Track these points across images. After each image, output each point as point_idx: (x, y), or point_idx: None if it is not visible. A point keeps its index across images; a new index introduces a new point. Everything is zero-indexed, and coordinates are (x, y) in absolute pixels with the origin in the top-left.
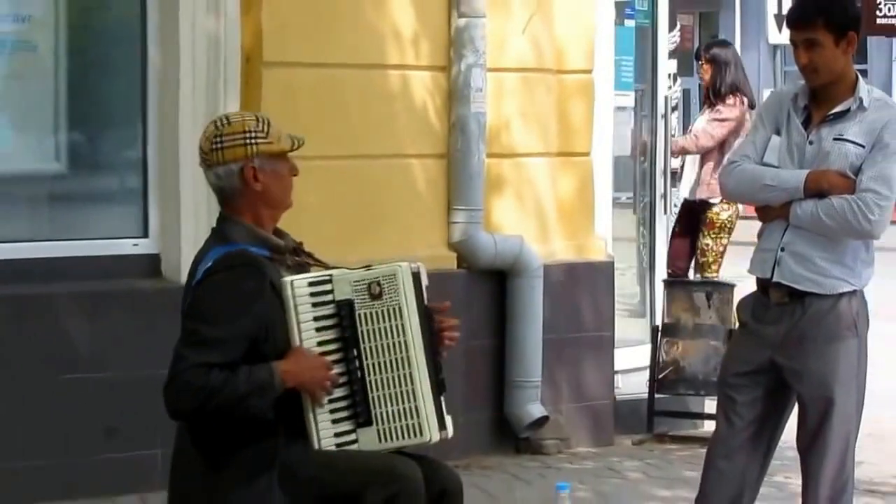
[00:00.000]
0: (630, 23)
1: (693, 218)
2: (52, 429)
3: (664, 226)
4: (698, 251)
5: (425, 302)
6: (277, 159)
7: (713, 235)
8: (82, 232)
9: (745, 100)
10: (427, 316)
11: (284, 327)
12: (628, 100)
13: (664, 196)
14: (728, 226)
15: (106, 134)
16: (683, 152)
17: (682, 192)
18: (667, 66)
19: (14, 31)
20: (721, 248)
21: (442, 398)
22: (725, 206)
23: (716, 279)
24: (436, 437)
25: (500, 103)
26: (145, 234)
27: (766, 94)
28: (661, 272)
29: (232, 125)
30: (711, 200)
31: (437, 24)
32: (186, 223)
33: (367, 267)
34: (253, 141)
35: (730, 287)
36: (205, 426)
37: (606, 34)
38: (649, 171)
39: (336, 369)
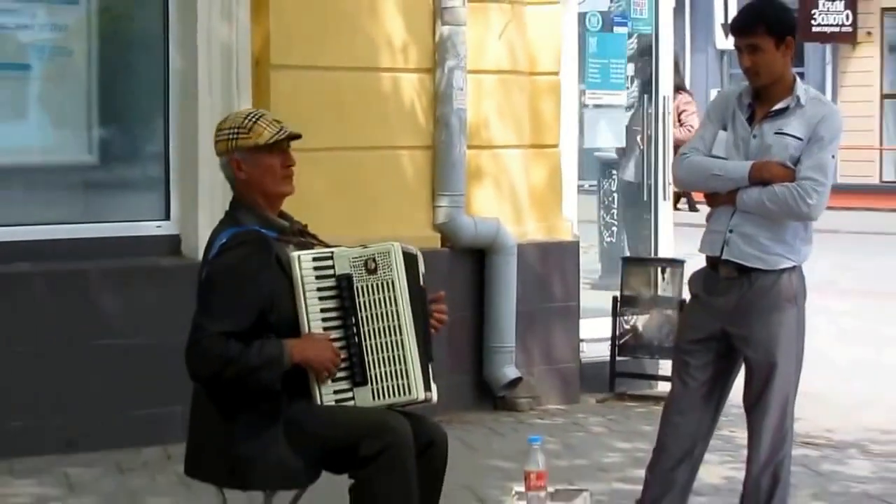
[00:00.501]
0: (621, 30)
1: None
2: (84, 388)
3: (668, 210)
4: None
5: (421, 281)
6: (259, 152)
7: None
8: (112, 215)
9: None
10: (418, 291)
11: (288, 298)
12: (619, 98)
13: (664, 184)
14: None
15: (133, 129)
16: (678, 143)
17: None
18: (669, 68)
19: (52, 39)
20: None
21: (430, 366)
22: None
23: (667, 256)
24: (422, 396)
25: (479, 101)
26: (167, 218)
27: (713, 93)
28: (663, 251)
29: (227, 121)
30: None
31: (424, 32)
32: (203, 208)
33: (364, 245)
34: (234, 136)
35: (681, 263)
36: (219, 388)
37: (571, 41)
38: (653, 161)
39: (336, 334)
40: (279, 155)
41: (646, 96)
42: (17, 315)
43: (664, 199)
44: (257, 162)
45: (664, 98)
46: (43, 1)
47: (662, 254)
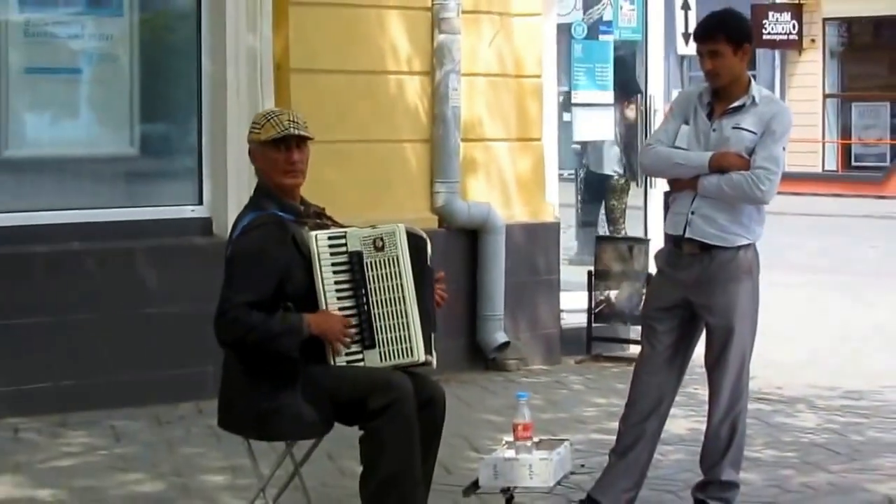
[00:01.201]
0: (606, 38)
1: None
2: (129, 351)
3: (658, 197)
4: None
5: (428, 261)
6: (265, 146)
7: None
8: (152, 200)
9: None
10: (424, 269)
11: (302, 272)
12: (607, 97)
13: None
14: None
15: (170, 125)
16: None
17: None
18: (658, 70)
19: (99, 47)
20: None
21: (433, 336)
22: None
23: (635, 235)
24: (423, 357)
25: (472, 100)
26: (200, 202)
27: (675, 93)
28: (652, 233)
29: (255, 116)
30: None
31: (423, 40)
32: (231, 193)
33: (373, 226)
34: (252, 130)
35: (646, 241)
36: (245, 352)
37: (552, 48)
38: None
39: (348, 304)
40: (284, 151)
41: (639, 96)
42: (69, 288)
43: (652, 186)
44: (264, 155)
45: (651, 97)
46: (92, 14)
47: (652, 235)
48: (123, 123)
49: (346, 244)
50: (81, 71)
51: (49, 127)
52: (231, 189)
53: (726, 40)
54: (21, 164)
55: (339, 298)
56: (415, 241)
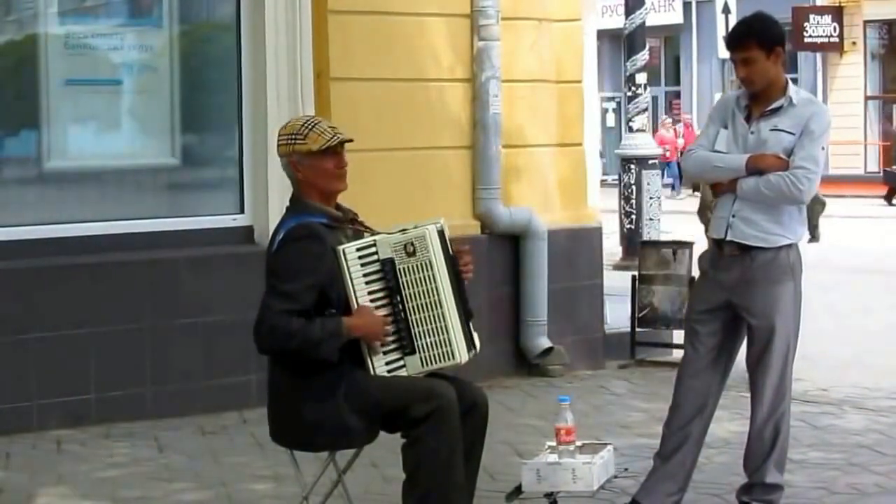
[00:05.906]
0: None
1: None
2: (172, 360)
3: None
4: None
5: (450, 251)
6: (313, 156)
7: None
8: (194, 210)
9: None
10: (453, 263)
11: (341, 279)
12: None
13: None
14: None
15: (211, 135)
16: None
17: None
18: None
19: (140, 58)
20: None
21: (471, 323)
22: None
23: (678, 239)
24: (465, 358)
25: (512, 106)
26: (242, 211)
27: (716, 97)
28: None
29: (286, 128)
30: None
31: (463, 46)
32: (272, 202)
33: (403, 231)
34: (293, 142)
35: (690, 244)
36: (287, 359)
37: (591, 54)
38: None
39: (384, 312)
40: (332, 158)
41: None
42: (112, 298)
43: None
44: (312, 165)
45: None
46: (132, 25)
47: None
48: (164, 134)
49: (376, 252)
50: (122, 82)
51: (90, 138)
52: (272, 197)
53: (757, 46)
54: (63, 175)
55: (375, 308)
56: (439, 236)
